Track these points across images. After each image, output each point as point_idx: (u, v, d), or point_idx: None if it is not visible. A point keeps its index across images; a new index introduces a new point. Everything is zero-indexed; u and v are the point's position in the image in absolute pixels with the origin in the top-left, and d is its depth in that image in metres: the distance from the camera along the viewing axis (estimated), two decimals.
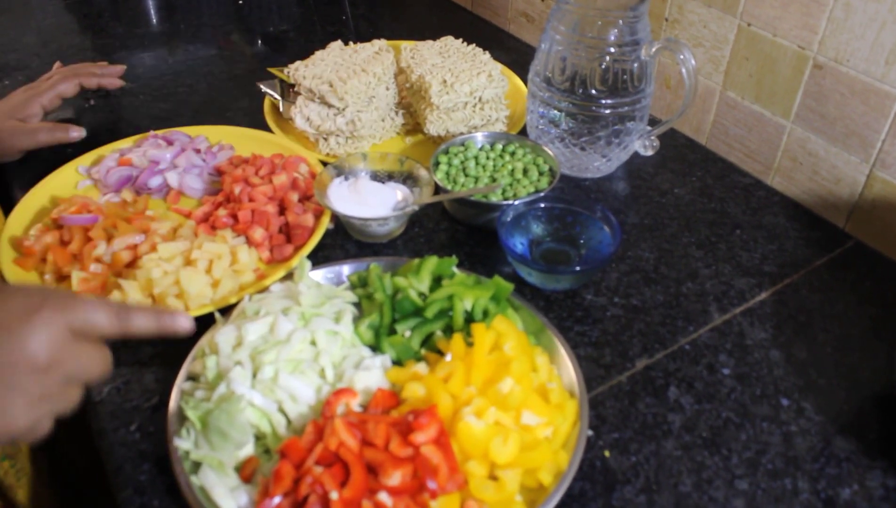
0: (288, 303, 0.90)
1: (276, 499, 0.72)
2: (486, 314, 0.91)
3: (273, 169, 1.18)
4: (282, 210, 1.13)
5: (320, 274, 0.98)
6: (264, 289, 0.97)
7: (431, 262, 0.94)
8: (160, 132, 1.27)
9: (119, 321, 0.71)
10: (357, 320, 0.92)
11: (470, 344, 0.87)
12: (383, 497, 0.72)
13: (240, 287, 1.01)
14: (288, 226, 1.10)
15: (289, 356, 0.84)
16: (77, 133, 1.25)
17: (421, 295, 0.93)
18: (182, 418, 0.81)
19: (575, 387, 0.85)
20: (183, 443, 0.78)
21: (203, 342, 0.88)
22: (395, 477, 0.73)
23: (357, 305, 0.95)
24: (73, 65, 1.36)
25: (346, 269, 1.00)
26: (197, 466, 0.77)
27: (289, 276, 1.00)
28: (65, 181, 1.20)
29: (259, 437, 0.81)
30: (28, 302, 0.65)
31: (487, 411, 0.79)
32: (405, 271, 0.96)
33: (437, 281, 0.95)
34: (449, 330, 0.91)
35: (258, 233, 1.07)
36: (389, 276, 0.95)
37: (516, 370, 0.83)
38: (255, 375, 0.82)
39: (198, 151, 1.24)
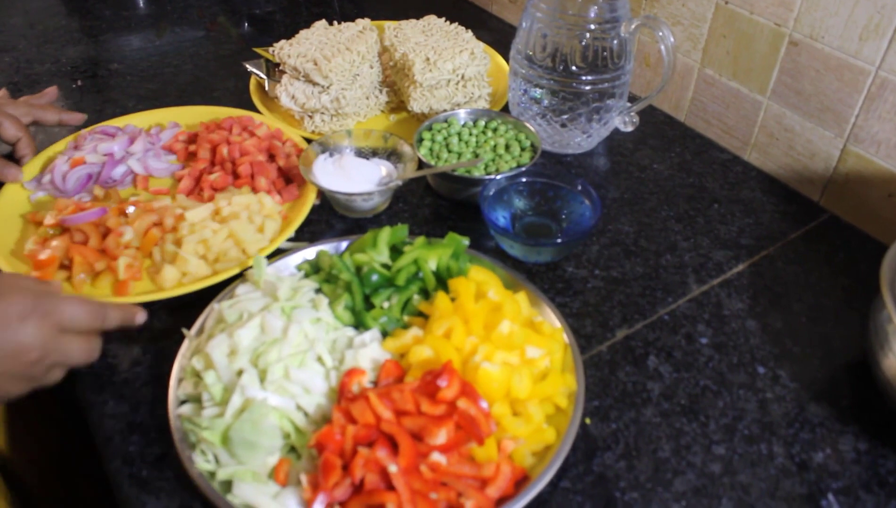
0: (265, 301, 0.90)
1: (335, 491, 0.73)
2: (448, 271, 0.94)
3: (245, 126, 1.23)
4: (271, 157, 1.18)
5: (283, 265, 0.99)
6: (240, 279, 0.97)
7: (386, 233, 0.96)
8: (87, 130, 1.25)
9: (97, 318, 0.83)
10: (328, 304, 0.92)
11: (452, 300, 0.90)
12: (437, 456, 0.74)
13: (279, 229, 1.07)
14: (282, 170, 1.16)
15: (291, 351, 0.84)
16: (14, 175, 1.15)
17: (384, 265, 0.94)
18: (191, 443, 0.79)
19: (552, 318, 0.90)
20: (206, 465, 0.76)
21: (182, 364, 0.86)
22: (442, 436, 0.75)
23: (317, 291, 0.95)
24: (31, 97, 1.28)
25: (331, 248, 1.01)
26: (227, 485, 0.76)
27: (242, 276, 0.98)
28: (14, 199, 1.14)
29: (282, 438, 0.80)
30: (23, 304, 0.77)
31: (495, 354, 0.82)
32: (359, 247, 0.97)
33: (393, 251, 0.97)
34: (422, 293, 0.94)
35: (262, 182, 1.12)
36: (349, 255, 0.95)
37: (509, 311, 0.87)
38: (262, 378, 0.82)
39: (149, 135, 1.25)
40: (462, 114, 1.23)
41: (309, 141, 1.21)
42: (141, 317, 0.90)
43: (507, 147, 1.17)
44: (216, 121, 1.27)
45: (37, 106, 1.23)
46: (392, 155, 1.16)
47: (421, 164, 1.14)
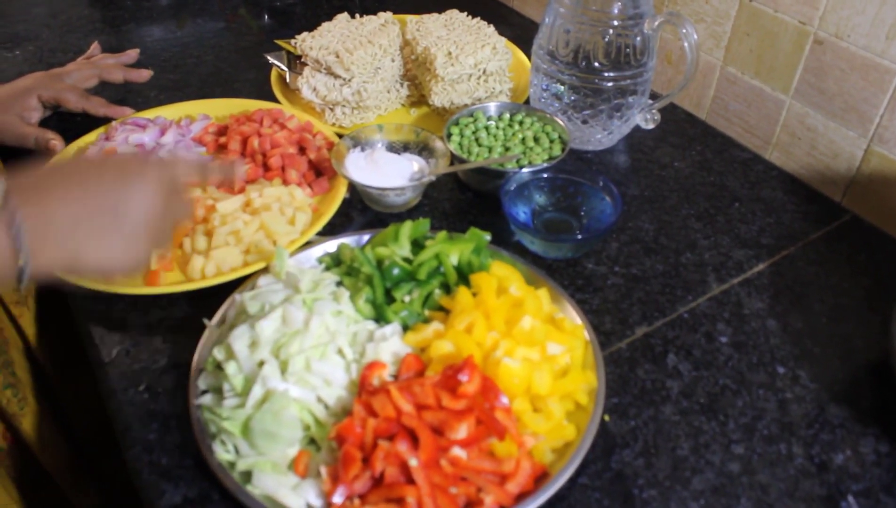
0: (286, 293, 0.90)
1: (355, 484, 0.72)
2: (470, 266, 0.94)
3: (276, 118, 1.23)
4: (301, 150, 1.19)
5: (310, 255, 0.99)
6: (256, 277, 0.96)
7: (408, 227, 0.96)
8: (118, 121, 1.26)
9: (202, 172, 0.86)
10: (349, 297, 0.92)
11: (473, 295, 0.90)
12: (457, 451, 0.74)
13: (310, 222, 1.07)
14: (312, 163, 1.17)
15: (312, 343, 0.83)
16: (59, 145, 1.20)
17: (405, 259, 0.94)
18: (211, 433, 0.80)
19: (573, 315, 0.90)
20: (226, 456, 0.77)
21: (203, 354, 0.87)
22: (462, 430, 0.75)
23: (338, 284, 0.95)
24: (96, 58, 1.37)
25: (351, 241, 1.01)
26: (246, 476, 0.76)
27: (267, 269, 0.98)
28: None
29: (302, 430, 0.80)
30: (137, 162, 0.79)
31: (516, 350, 0.82)
32: (381, 241, 0.97)
33: (414, 245, 0.97)
34: (443, 288, 0.94)
35: (293, 175, 1.13)
36: (370, 248, 0.95)
37: (531, 306, 0.87)
38: (283, 369, 0.82)
39: (179, 127, 1.26)
40: (491, 106, 1.23)
41: (340, 136, 1.21)
42: (241, 172, 0.92)
43: (537, 139, 1.17)
44: (246, 113, 1.27)
45: (103, 66, 1.33)
46: (424, 149, 1.16)
47: (453, 159, 1.14)
